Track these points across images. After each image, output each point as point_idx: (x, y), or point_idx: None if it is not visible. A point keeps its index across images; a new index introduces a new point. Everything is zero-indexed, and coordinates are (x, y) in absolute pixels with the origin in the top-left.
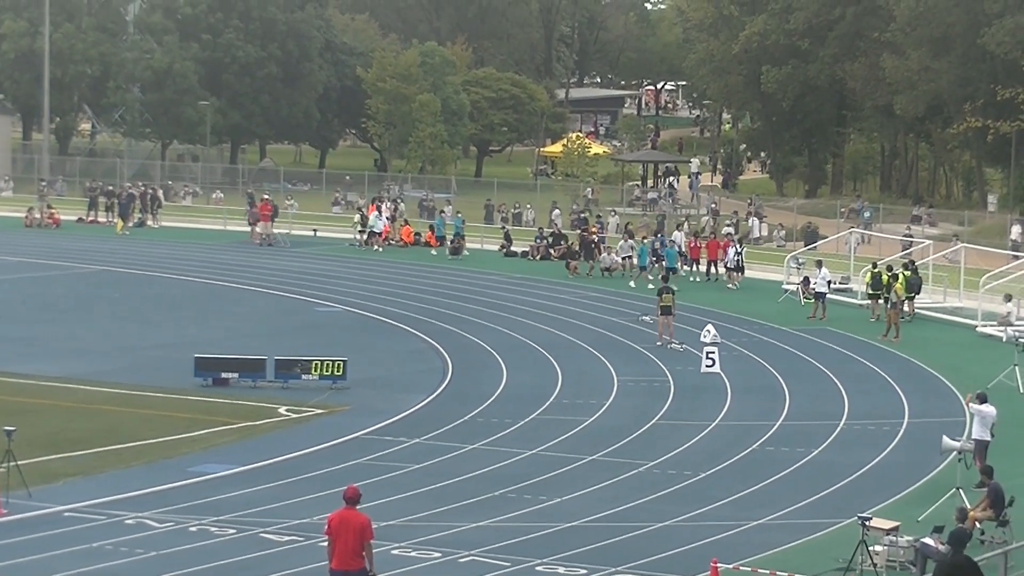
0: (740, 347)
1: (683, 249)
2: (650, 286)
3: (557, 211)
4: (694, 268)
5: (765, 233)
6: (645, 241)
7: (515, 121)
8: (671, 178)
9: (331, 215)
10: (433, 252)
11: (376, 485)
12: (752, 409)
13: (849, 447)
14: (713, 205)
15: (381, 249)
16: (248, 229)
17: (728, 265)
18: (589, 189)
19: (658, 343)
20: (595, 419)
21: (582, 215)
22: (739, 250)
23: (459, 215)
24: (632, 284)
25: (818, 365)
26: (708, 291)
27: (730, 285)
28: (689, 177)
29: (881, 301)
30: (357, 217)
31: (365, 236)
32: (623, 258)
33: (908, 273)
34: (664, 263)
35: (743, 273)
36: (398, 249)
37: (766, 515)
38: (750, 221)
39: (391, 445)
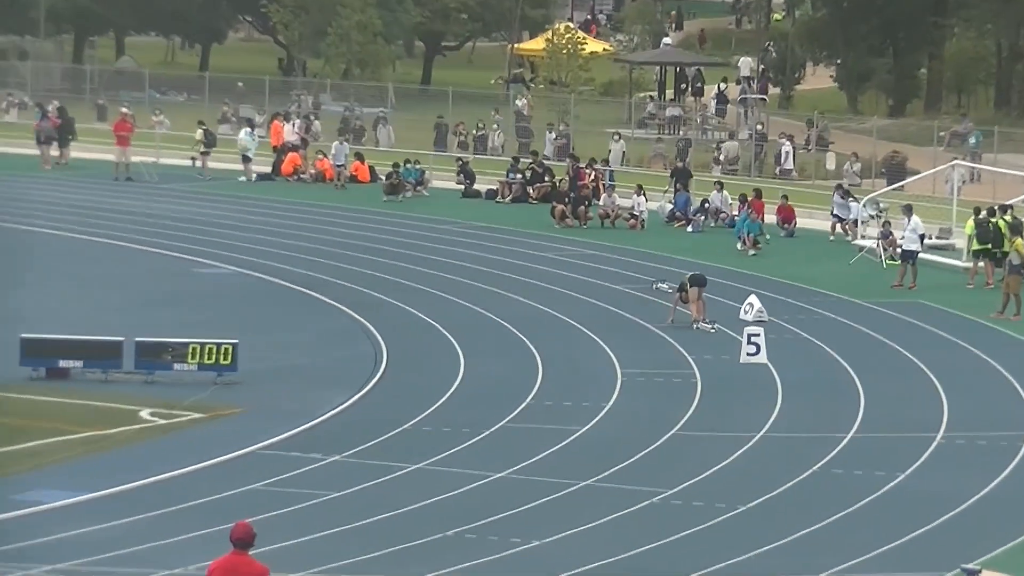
0: (795, 327)
1: (723, 208)
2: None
3: (552, 134)
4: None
5: (832, 167)
6: (667, 200)
7: (478, 7)
8: (698, 87)
9: (218, 136)
10: (335, 186)
11: (279, 521)
12: (812, 415)
13: (949, 469)
14: (759, 126)
15: (249, 180)
16: (37, 151)
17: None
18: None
19: (669, 321)
20: (590, 428)
21: (573, 152)
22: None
23: (416, 164)
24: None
25: (905, 353)
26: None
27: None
28: (739, 84)
29: (993, 262)
30: (199, 133)
31: (203, 160)
32: (631, 214)
33: None
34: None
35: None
36: (315, 187)
37: (833, 565)
38: (809, 144)
39: (300, 464)
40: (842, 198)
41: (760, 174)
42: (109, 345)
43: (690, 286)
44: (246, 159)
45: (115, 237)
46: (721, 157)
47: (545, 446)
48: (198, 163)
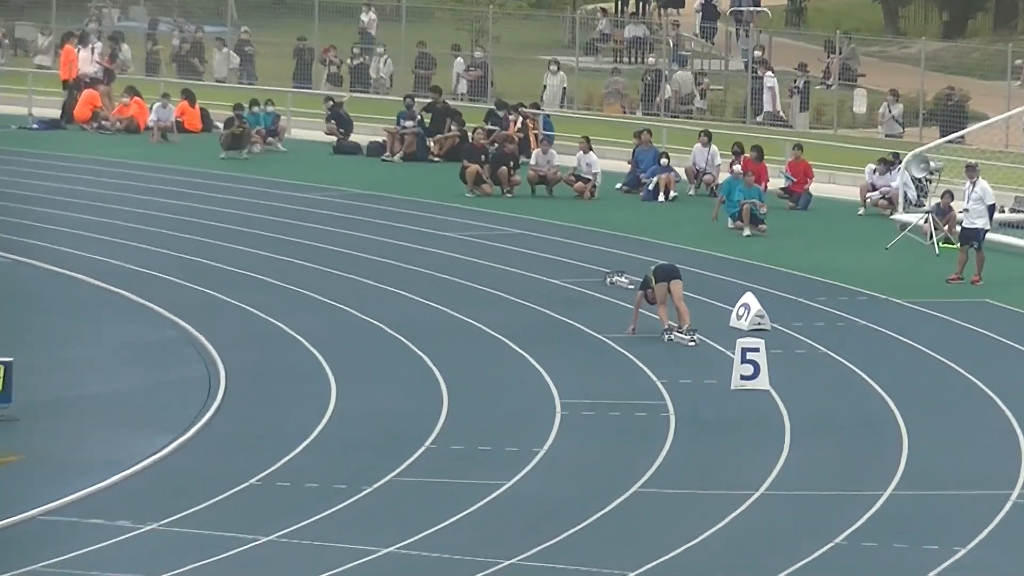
0: (809, 338)
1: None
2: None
3: (462, 63)
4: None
5: (862, 109)
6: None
7: None
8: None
9: None
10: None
11: None
12: (833, 464)
13: None
14: (758, 51)
15: (27, 127)
16: None
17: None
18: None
19: (629, 331)
20: (516, 483)
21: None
22: None
23: (267, 107)
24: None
25: (966, 375)
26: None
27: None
28: None
29: None
30: None
31: None
32: (575, 176)
33: None
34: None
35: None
36: (123, 140)
37: None
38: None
39: (102, 535)
40: (882, 172)
41: (757, 121)
42: None
43: (656, 281)
44: None
45: None
46: (668, 94)
47: (452, 509)
48: None
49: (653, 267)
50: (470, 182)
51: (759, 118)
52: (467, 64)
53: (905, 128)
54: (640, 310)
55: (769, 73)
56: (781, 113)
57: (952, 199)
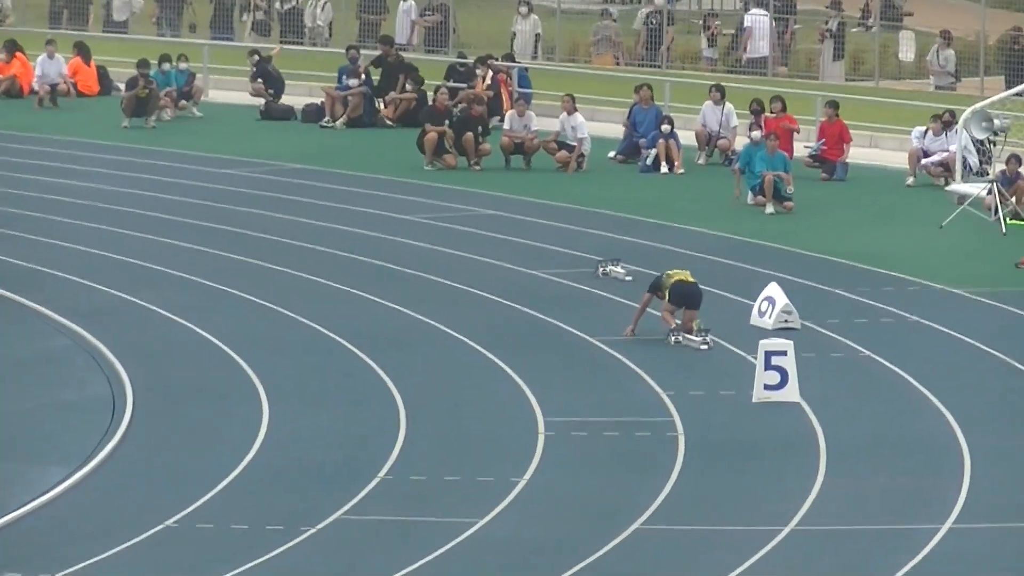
0: (849, 339)
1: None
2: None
3: (413, 5)
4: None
5: (910, 56)
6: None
7: None
8: None
9: None
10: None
11: None
12: (876, 492)
13: None
14: None
15: None
16: None
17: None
18: None
19: (628, 333)
20: (492, 521)
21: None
22: None
23: (181, 63)
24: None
25: None
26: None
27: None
28: None
29: None
30: None
31: None
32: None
33: None
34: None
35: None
36: (5, 105)
37: None
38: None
39: None
40: (936, 133)
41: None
42: None
43: (669, 298)
44: None
45: None
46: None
47: (412, 554)
48: None
49: (672, 278)
50: (430, 152)
51: (743, 58)
52: (422, 8)
53: (961, 78)
54: (637, 305)
55: (757, 10)
56: (772, 63)
57: (1020, 164)
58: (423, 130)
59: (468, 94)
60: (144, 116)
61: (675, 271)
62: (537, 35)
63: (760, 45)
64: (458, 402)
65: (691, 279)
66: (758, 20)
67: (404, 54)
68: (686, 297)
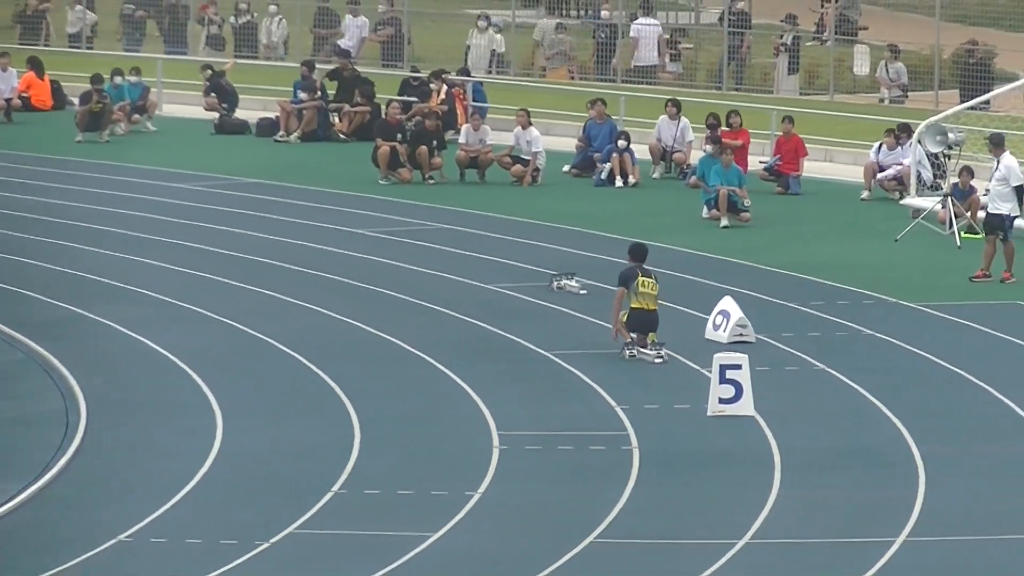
0: (803, 352)
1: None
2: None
3: (360, 20)
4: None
5: (865, 70)
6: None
7: None
8: None
9: None
10: None
11: None
12: (831, 505)
13: None
14: (741, 2)
15: None
16: None
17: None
18: None
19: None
20: (446, 535)
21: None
22: None
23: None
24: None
25: (996, 394)
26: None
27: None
28: None
29: None
30: None
31: None
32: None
33: None
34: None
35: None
36: None
37: None
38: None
39: None
40: (890, 147)
41: (739, 84)
42: None
43: (628, 319)
44: None
45: None
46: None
47: (366, 568)
48: None
49: (637, 296)
50: (384, 166)
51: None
52: (376, 23)
53: (910, 92)
54: (591, 319)
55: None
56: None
57: (972, 176)
58: (377, 144)
59: (421, 108)
60: (98, 131)
61: (645, 281)
62: (493, 50)
63: (648, 55)
64: (412, 416)
65: (652, 305)
66: (645, 30)
67: (360, 68)
68: (643, 324)
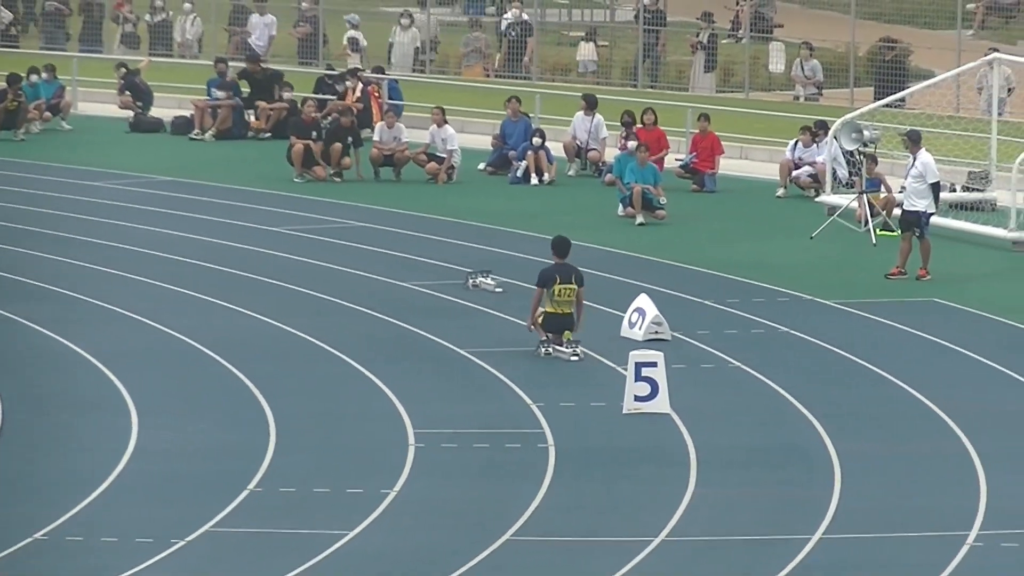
0: (719, 350)
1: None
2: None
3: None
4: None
5: (780, 67)
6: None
7: None
8: None
9: None
10: None
11: None
12: (746, 502)
13: None
14: None
15: None
16: None
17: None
18: None
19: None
20: (362, 534)
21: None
22: None
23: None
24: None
25: (912, 392)
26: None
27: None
28: None
29: None
30: None
31: None
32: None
33: None
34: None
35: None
36: None
37: None
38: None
39: None
40: (806, 144)
41: (655, 82)
42: None
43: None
44: None
45: None
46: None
47: (282, 566)
48: None
49: (552, 303)
50: (298, 164)
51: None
52: (295, 20)
53: (826, 90)
54: (507, 317)
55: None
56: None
57: (876, 164)
58: (292, 142)
59: (336, 105)
60: (12, 129)
61: (561, 289)
62: (417, 48)
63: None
64: (328, 414)
65: (568, 310)
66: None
67: (276, 66)
68: (557, 326)
